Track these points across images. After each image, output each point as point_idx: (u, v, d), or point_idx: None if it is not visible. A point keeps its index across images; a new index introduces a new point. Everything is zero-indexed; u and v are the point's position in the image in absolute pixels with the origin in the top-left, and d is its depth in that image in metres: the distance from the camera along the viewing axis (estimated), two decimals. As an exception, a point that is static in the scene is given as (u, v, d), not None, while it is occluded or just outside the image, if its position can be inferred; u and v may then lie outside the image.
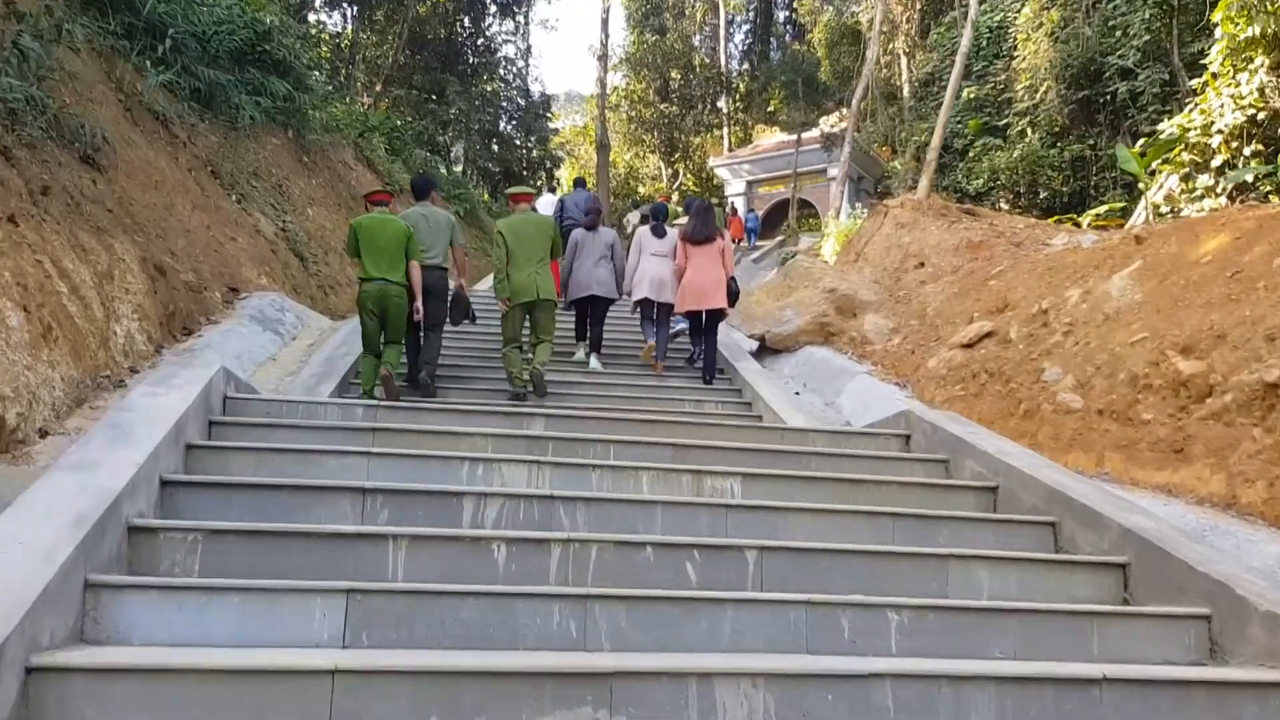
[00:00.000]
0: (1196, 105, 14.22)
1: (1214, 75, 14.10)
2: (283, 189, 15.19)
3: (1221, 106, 13.59)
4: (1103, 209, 14.42)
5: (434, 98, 32.71)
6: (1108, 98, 21.39)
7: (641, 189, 47.20)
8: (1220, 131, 13.39)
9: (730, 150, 44.22)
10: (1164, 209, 14.21)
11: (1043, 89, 23.81)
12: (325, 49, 28.22)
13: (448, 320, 8.76)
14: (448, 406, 7.26)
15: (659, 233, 10.14)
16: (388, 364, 7.88)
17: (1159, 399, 5.83)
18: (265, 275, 12.40)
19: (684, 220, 10.63)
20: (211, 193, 12.84)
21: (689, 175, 46.08)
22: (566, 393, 8.95)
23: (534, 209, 9.66)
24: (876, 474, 5.97)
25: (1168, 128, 14.48)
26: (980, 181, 24.59)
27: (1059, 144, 22.65)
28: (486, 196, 31.86)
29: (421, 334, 8.47)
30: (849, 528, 5.08)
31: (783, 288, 11.19)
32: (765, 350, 10.67)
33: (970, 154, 26.07)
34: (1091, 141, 21.87)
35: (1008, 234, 10.69)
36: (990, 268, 9.75)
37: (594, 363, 10.11)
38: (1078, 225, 14.67)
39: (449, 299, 8.79)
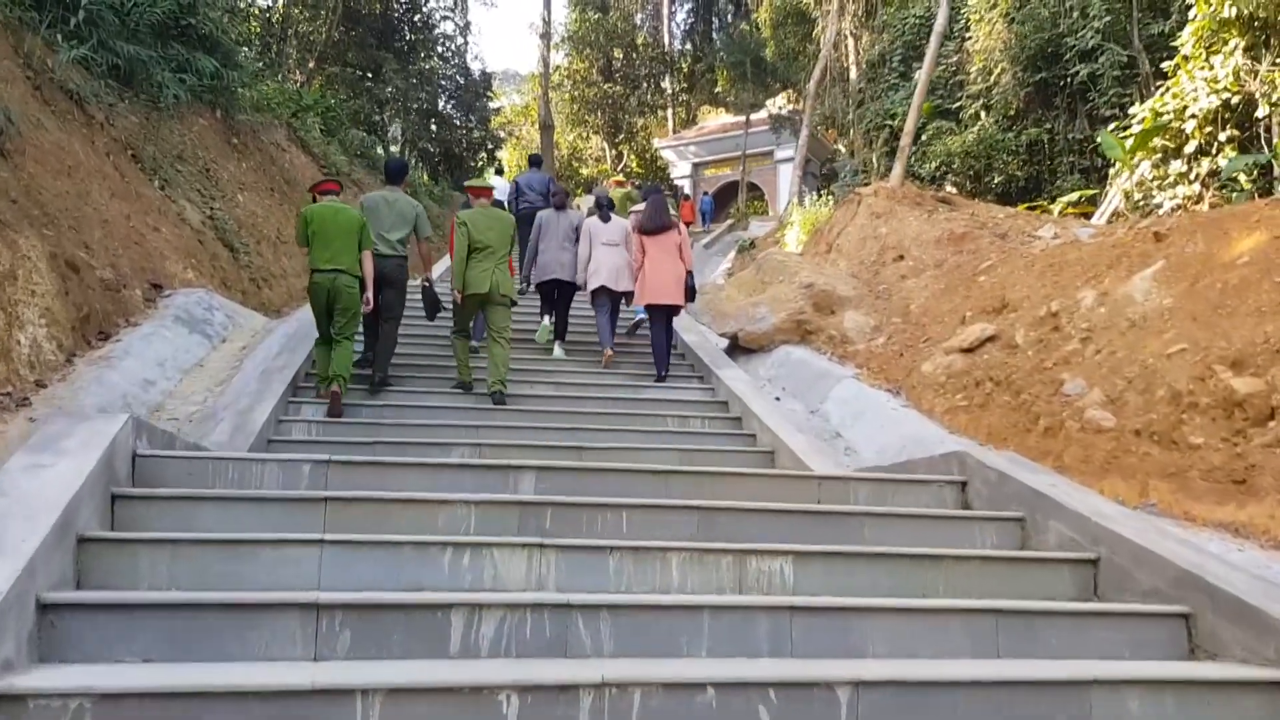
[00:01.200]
0: (1168, 89, 13.81)
1: (1185, 58, 13.71)
2: (210, 173, 14.15)
3: (1195, 90, 13.18)
4: (1074, 196, 13.98)
5: (370, 76, 31.45)
6: (1065, 80, 21.03)
7: (585, 170, 46.26)
8: (1194, 116, 12.98)
9: (675, 132, 43.50)
10: (1136, 195, 13.82)
11: (997, 71, 23.42)
12: (255, 24, 26.86)
13: (423, 315, 8.68)
14: (411, 459, 5.99)
15: (606, 219, 10.04)
16: (338, 375, 7.50)
17: (1209, 420, 5.26)
18: (192, 269, 11.43)
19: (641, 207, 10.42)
20: (132, 179, 11.82)
21: (633, 157, 45.25)
22: (530, 398, 8.44)
23: (498, 203, 9.28)
24: (948, 544, 4.98)
25: (1140, 111, 14.05)
26: (933, 165, 24.18)
27: (1014, 127, 22.28)
28: (427, 179, 30.71)
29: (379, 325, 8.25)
30: (942, 631, 4.09)
31: (755, 282, 10.52)
32: (738, 349, 10.01)
33: (923, 137, 25.65)
34: (1049, 125, 21.50)
35: (990, 225, 10.13)
36: (977, 261, 9.17)
37: (558, 350, 10.02)
38: (1048, 212, 14.22)
39: (407, 291, 8.53)
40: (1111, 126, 14.57)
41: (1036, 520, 5.12)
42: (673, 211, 10.60)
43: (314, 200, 8.25)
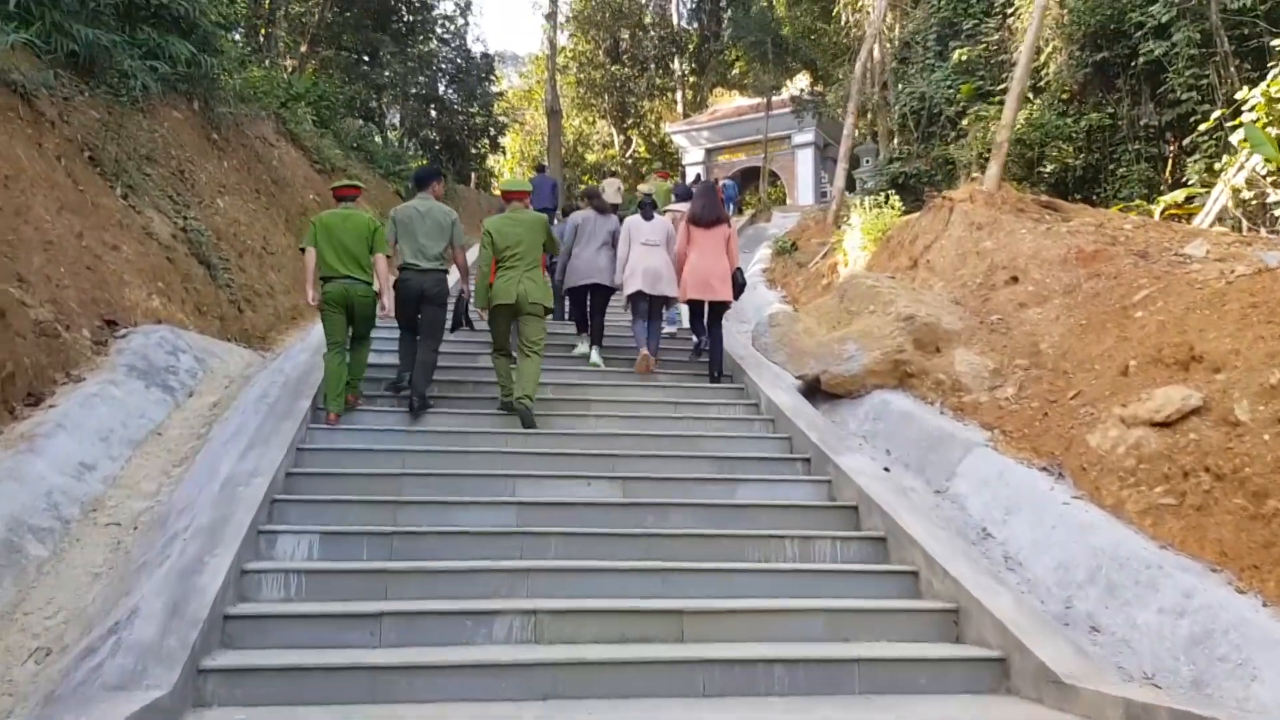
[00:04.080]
0: (1286, 69, 11.96)
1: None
2: (185, 176, 12.32)
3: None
4: (1179, 195, 12.20)
5: (366, 60, 29.56)
6: (1130, 60, 19.15)
7: (590, 156, 44.33)
8: (1325, 100, 11.15)
9: (685, 116, 41.52)
10: (1246, 194, 12.00)
11: (1048, 50, 21.54)
12: (241, 4, 24.92)
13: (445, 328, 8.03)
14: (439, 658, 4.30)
15: (648, 218, 9.61)
16: (354, 384, 7.33)
17: None
18: (158, 294, 9.62)
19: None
20: (88, 186, 10.01)
21: (641, 142, 43.32)
22: (564, 434, 6.99)
23: (528, 207, 8.40)
24: None
25: (1250, 96, 12.21)
26: (974, 153, 22.36)
27: (1070, 111, 20.40)
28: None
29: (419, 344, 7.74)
30: None
31: (839, 312, 8.72)
32: (818, 394, 8.22)
33: (962, 123, 23.80)
34: (1110, 110, 19.62)
35: (1121, 240, 8.33)
36: (1123, 290, 7.38)
37: (595, 356, 9.60)
38: (1148, 214, 12.39)
39: (447, 308, 8.05)
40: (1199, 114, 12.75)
41: None
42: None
43: (337, 203, 7.85)
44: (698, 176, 33.97)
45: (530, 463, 6.50)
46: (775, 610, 4.96)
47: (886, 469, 6.75)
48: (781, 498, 6.34)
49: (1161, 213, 11.98)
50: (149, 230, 10.40)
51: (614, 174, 28.91)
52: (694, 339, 10.05)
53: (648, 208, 9.84)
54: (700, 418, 7.90)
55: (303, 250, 7.63)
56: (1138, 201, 13.67)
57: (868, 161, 30.91)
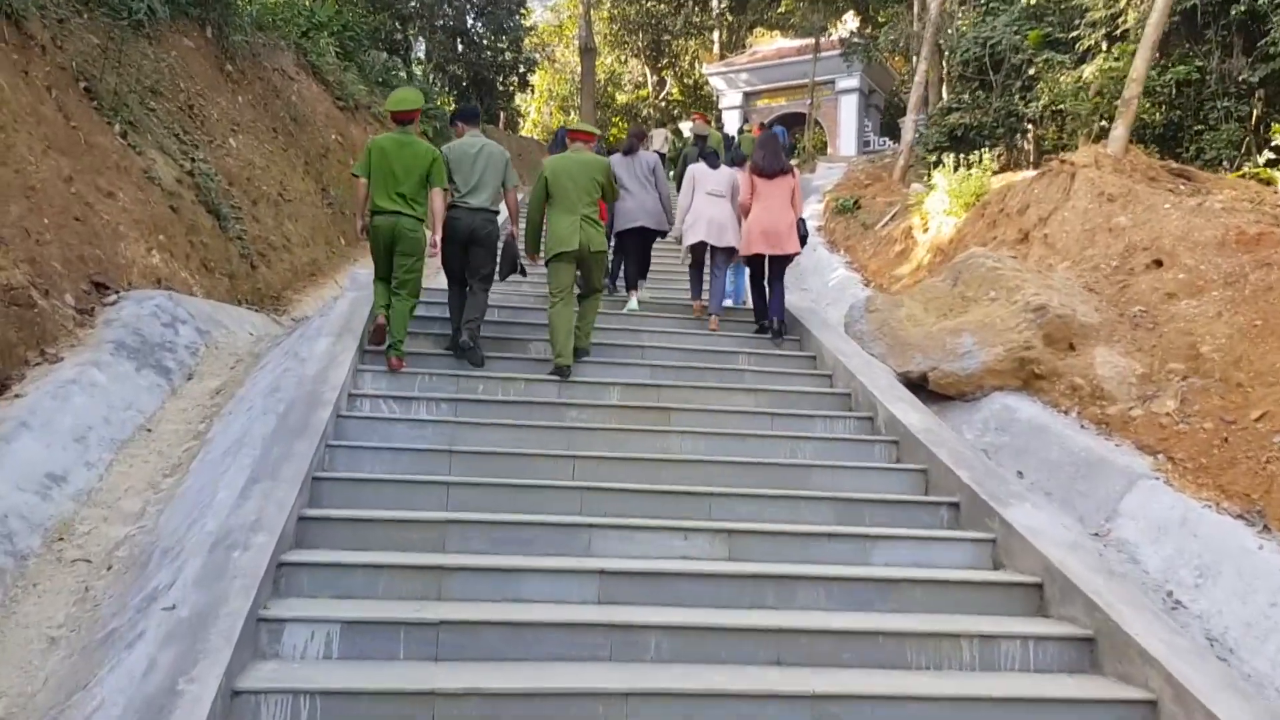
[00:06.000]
0: None
1: None
2: (194, 112, 11.07)
3: None
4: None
5: (392, -13, 28.03)
6: (1225, 7, 17.56)
7: (621, 97, 42.67)
8: None
9: (721, 57, 39.73)
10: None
11: (1129, -5, 19.91)
12: (261, -76, 23.42)
13: (495, 275, 7.58)
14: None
15: (714, 166, 9.17)
16: (395, 344, 6.65)
17: None
18: (159, 250, 8.46)
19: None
20: (81, 122, 8.80)
21: (675, 83, 41.60)
22: (643, 459, 5.69)
23: (592, 148, 7.92)
24: None
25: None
26: (1039, 105, 20.85)
27: (1155, 63, 18.82)
28: (453, 105, 27.38)
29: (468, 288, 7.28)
30: None
31: (951, 297, 7.44)
32: (922, 392, 6.99)
33: (1029, 71, 22.23)
34: (1199, 63, 18.06)
35: (1285, 217, 7.04)
36: (1303, 283, 6.13)
37: (633, 302, 9.19)
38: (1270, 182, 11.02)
39: (498, 251, 7.57)
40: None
41: None
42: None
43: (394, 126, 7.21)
44: (748, 119, 32.41)
45: (608, 500, 5.18)
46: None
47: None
48: (932, 565, 4.93)
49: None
50: (150, 174, 9.20)
51: (646, 118, 27.43)
52: (755, 316, 9.08)
53: (713, 157, 9.43)
54: (804, 436, 6.36)
55: (355, 176, 7.04)
56: (1258, 168, 12.27)
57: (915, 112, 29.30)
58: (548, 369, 7.01)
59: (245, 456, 4.73)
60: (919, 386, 6.98)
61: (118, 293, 7.09)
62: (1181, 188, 8.17)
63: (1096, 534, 5.28)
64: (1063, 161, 8.86)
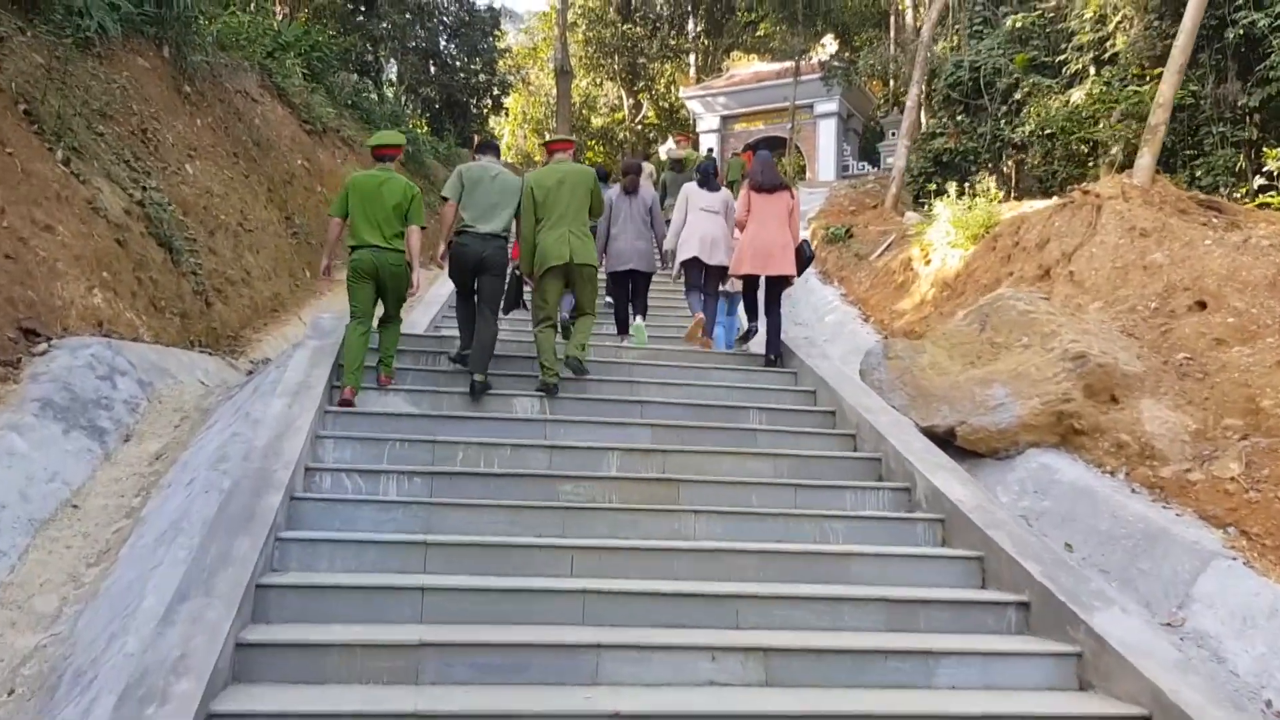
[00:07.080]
0: None
1: None
2: (148, 136, 10.30)
3: None
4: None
5: (362, 8, 27.33)
6: (1219, 32, 17.27)
7: (597, 120, 42.10)
8: None
9: (697, 80, 39.28)
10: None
11: (1116, 19, 19.63)
12: (226, -59, 22.67)
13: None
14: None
15: (709, 187, 9.13)
16: (385, 362, 6.75)
17: None
18: (101, 288, 7.69)
19: None
20: (18, 148, 8.03)
21: (651, 107, 41.09)
22: (653, 549, 4.82)
23: (570, 158, 7.77)
24: None
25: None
26: (1026, 130, 20.49)
27: (1144, 87, 18.47)
28: (425, 129, 26.64)
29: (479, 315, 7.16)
30: None
31: (980, 344, 6.78)
32: (949, 448, 6.32)
33: (1015, 96, 21.92)
34: (1194, 87, 17.72)
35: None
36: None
37: (636, 326, 8.95)
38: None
39: (507, 279, 7.48)
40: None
41: None
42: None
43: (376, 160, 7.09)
44: (709, 151, 31.89)
45: (615, 606, 4.33)
46: None
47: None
48: (1007, 687, 4.04)
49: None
50: (95, 205, 8.42)
51: (622, 142, 26.77)
52: (747, 324, 9.13)
53: (710, 176, 9.33)
54: (834, 514, 5.48)
55: (338, 218, 6.92)
56: (1267, 196, 11.75)
57: (892, 134, 28.87)
58: (535, 431, 6.32)
59: (180, 547, 3.98)
60: (945, 442, 6.30)
61: (49, 340, 6.32)
62: (1215, 221, 7.59)
63: (1169, 624, 4.62)
64: (1085, 192, 8.27)
